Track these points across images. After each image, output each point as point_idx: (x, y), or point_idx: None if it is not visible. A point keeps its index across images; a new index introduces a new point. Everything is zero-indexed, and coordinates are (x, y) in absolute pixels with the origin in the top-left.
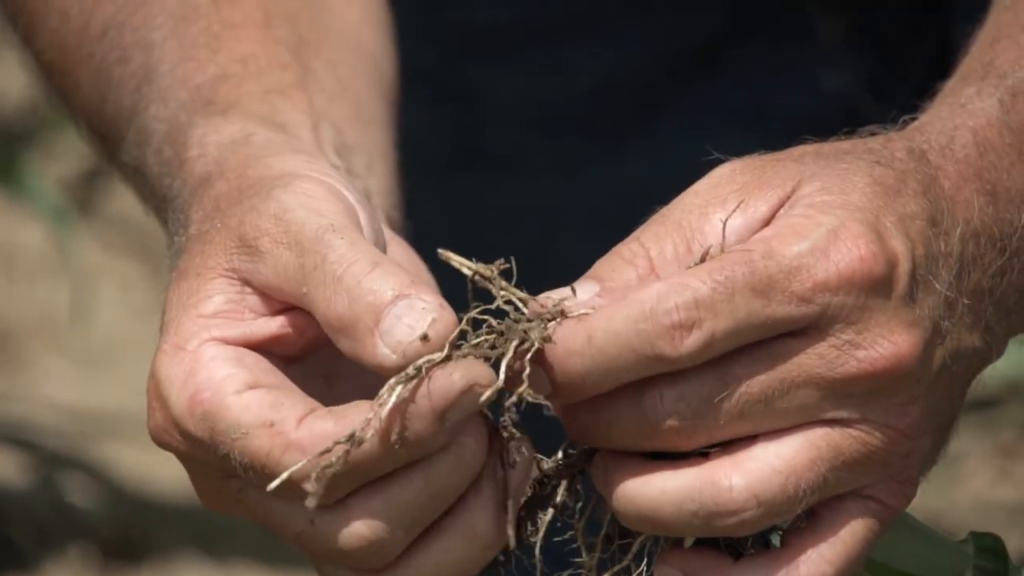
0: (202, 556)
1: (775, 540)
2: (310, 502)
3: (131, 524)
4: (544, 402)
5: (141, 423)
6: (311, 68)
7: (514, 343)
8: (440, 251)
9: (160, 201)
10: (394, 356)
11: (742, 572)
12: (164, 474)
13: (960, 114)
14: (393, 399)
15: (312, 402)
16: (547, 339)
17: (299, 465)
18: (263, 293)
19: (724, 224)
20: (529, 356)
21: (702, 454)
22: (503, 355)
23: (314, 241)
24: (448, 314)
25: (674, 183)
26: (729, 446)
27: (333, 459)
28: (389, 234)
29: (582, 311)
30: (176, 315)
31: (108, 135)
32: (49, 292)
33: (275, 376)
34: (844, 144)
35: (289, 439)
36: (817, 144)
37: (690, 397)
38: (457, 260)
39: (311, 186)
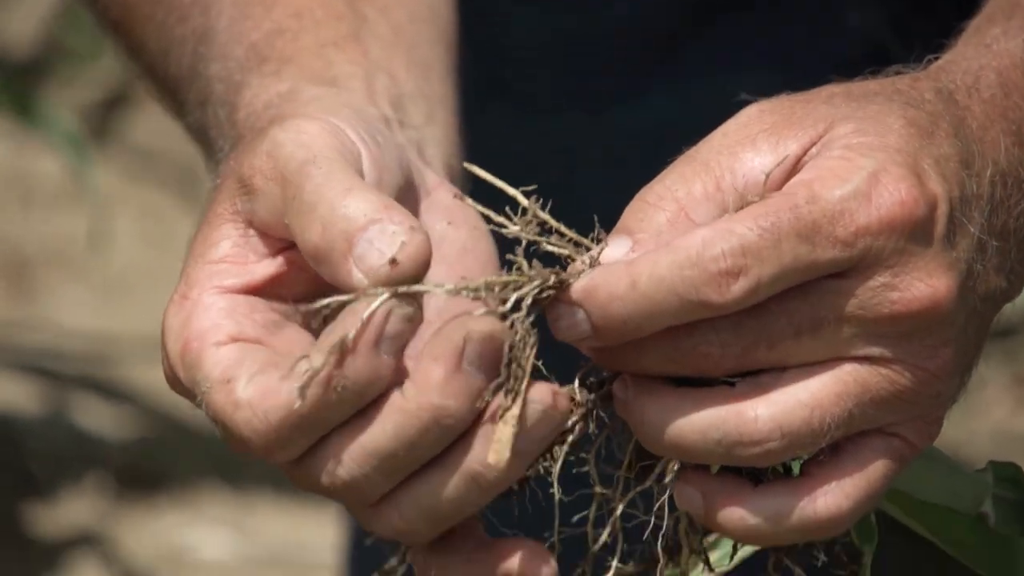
0: (220, 484)
1: (796, 469)
2: (274, 459)
3: (148, 452)
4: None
5: (157, 348)
6: (366, 17)
7: (536, 283)
8: (466, 164)
9: (213, 167)
10: (368, 282)
11: (761, 498)
12: (182, 401)
13: (985, 54)
14: (327, 348)
15: (274, 358)
16: (566, 282)
17: (245, 421)
18: (264, 233)
19: (756, 165)
20: (548, 295)
21: (728, 383)
22: (525, 294)
23: (294, 173)
24: (419, 236)
25: (698, 123)
26: (756, 376)
27: (280, 412)
28: (436, 180)
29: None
30: (188, 264)
31: (173, 95)
32: (66, 222)
33: (264, 327)
34: (872, 85)
35: (238, 397)
36: (845, 85)
37: (721, 326)
38: (488, 177)
39: (307, 124)
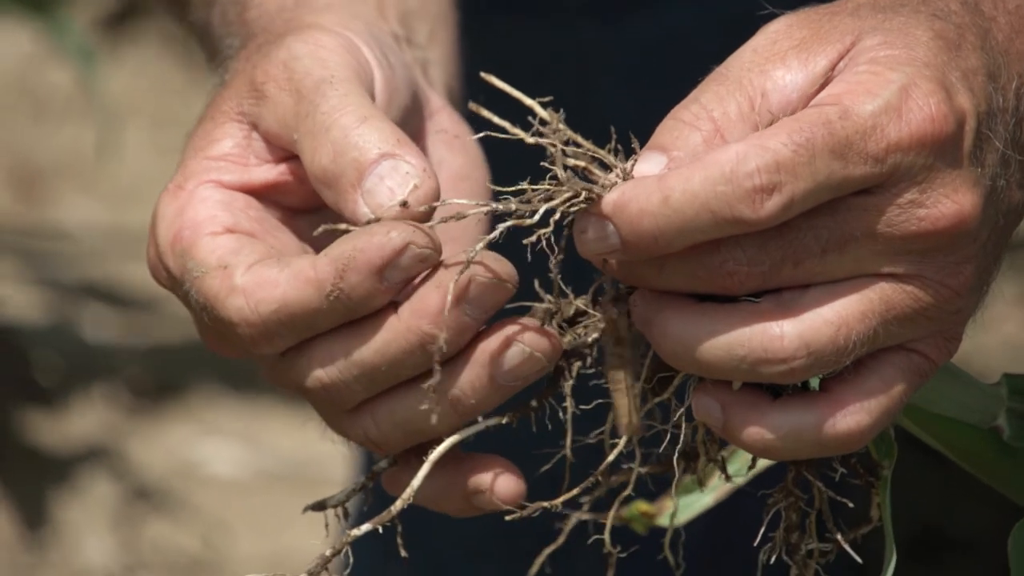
0: (232, 398)
1: (814, 383)
2: (257, 351)
3: (159, 364)
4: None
5: None
6: None
7: (566, 194)
8: (483, 74)
9: (220, 63)
10: (373, 217)
11: (780, 411)
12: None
13: None
14: (335, 255)
15: (272, 252)
16: (598, 195)
17: (237, 308)
18: (268, 139)
19: (788, 83)
20: (577, 208)
21: (750, 300)
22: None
23: (311, 90)
24: (431, 181)
25: (714, 31)
26: (779, 294)
27: (272, 305)
28: (438, 103)
29: None
30: (186, 156)
31: None
32: (76, 132)
33: (259, 224)
34: None
35: (234, 283)
36: None
37: (747, 244)
38: (505, 87)
39: (325, 38)
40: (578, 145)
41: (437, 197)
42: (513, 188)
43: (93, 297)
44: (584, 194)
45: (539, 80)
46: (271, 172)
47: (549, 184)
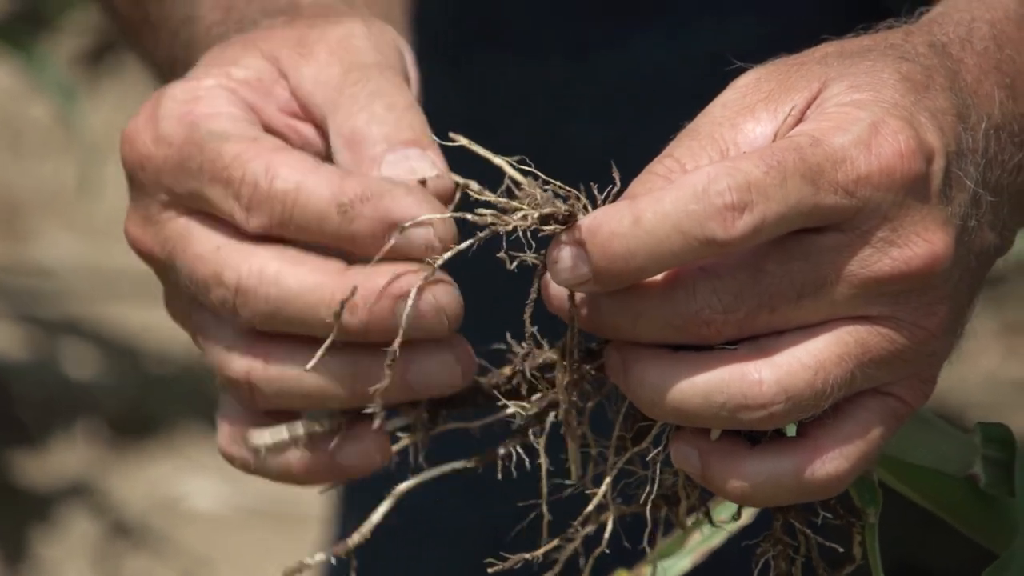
0: (212, 432)
1: (790, 430)
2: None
3: (140, 400)
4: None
5: (147, 284)
6: None
7: (545, 210)
8: (452, 135)
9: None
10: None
11: (758, 458)
12: (172, 346)
13: (978, 6)
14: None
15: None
16: (569, 215)
17: (252, 172)
18: (293, 94)
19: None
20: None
21: (726, 347)
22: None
23: (367, 66)
24: (449, 183)
25: (685, 68)
26: (756, 340)
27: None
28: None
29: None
30: (204, 67)
31: (144, 28)
32: (57, 167)
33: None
34: (865, 40)
35: (264, 150)
36: (838, 42)
37: (723, 292)
38: (477, 148)
39: (382, 27)
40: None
41: (448, 200)
42: (491, 198)
43: (74, 333)
44: (564, 209)
45: (514, 114)
46: (282, 121)
47: (527, 201)
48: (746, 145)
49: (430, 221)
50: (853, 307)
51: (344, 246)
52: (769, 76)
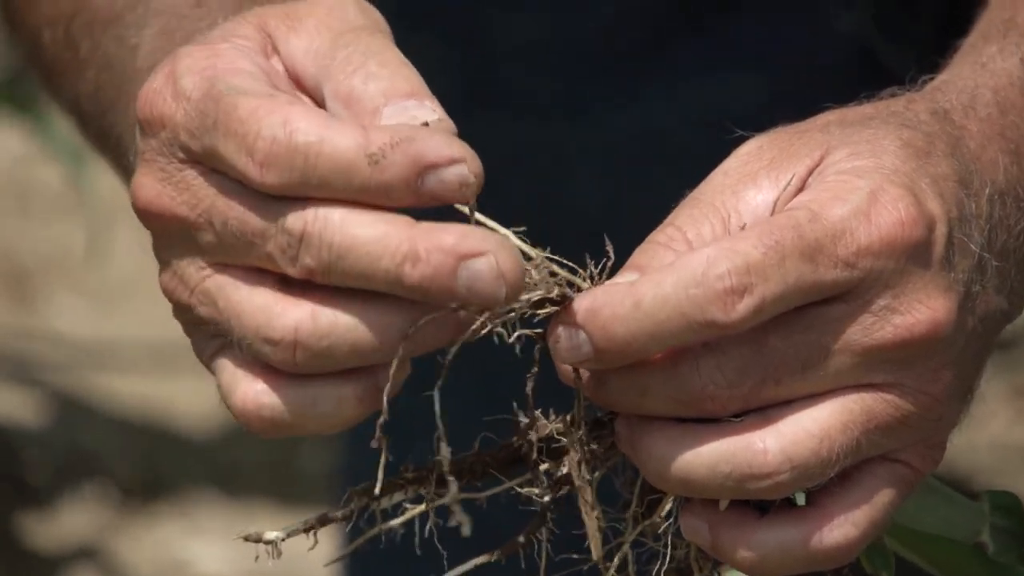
0: (219, 496)
1: (800, 499)
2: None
3: (147, 465)
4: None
5: (156, 349)
6: None
7: (539, 293)
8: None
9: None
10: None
11: (768, 528)
12: (181, 411)
13: (981, 73)
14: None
15: None
16: (569, 298)
17: (270, 126)
18: (284, 65)
19: (760, 202)
20: (548, 312)
21: (733, 419)
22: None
23: (359, 28)
24: (453, 127)
25: (686, 124)
26: (761, 410)
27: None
28: None
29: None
30: (206, 40)
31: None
32: (65, 230)
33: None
34: (867, 109)
35: (281, 103)
36: (840, 111)
37: (727, 367)
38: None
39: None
40: (553, 274)
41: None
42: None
43: (83, 398)
44: (557, 292)
45: (513, 172)
46: (287, 87)
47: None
48: (747, 212)
49: (463, 157)
50: (857, 376)
51: (373, 199)
52: (771, 144)
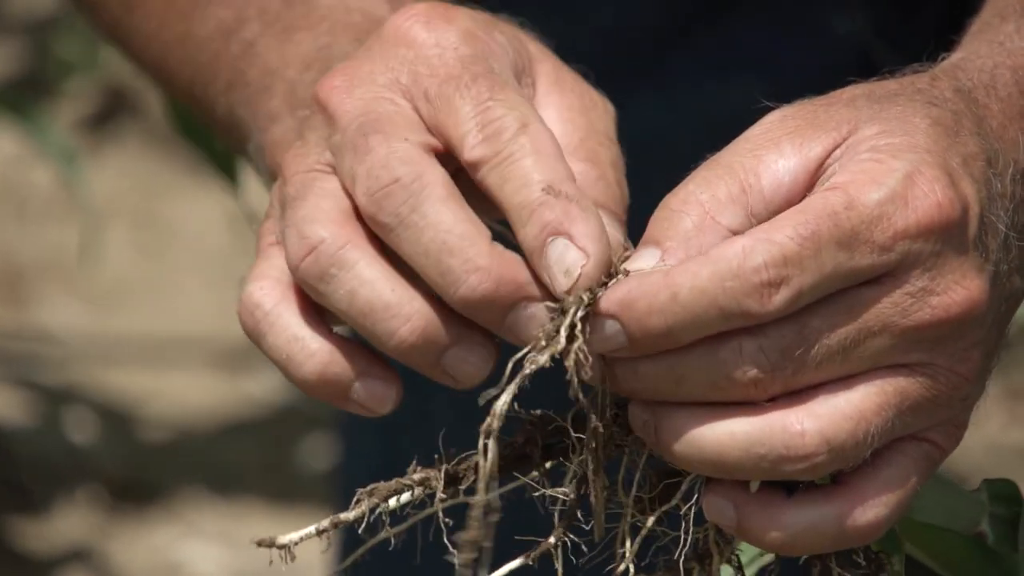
0: (212, 498)
1: (824, 478)
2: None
3: (140, 465)
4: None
5: (149, 350)
6: None
7: (575, 306)
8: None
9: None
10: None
11: (798, 509)
12: (174, 412)
13: (999, 52)
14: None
15: None
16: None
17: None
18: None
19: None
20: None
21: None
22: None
23: (603, 136)
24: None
25: (685, 131)
26: (794, 392)
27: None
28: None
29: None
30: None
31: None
32: (59, 232)
33: None
34: (892, 85)
35: (540, 130)
36: (866, 85)
37: (769, 350)
38: None
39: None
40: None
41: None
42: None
43: (76, 399)
44: (588, 297)
45: None
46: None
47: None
48: (766, 175)
49: (596, 252)
50: (893, 356)
51: (524, 214)
52: (796, 114)
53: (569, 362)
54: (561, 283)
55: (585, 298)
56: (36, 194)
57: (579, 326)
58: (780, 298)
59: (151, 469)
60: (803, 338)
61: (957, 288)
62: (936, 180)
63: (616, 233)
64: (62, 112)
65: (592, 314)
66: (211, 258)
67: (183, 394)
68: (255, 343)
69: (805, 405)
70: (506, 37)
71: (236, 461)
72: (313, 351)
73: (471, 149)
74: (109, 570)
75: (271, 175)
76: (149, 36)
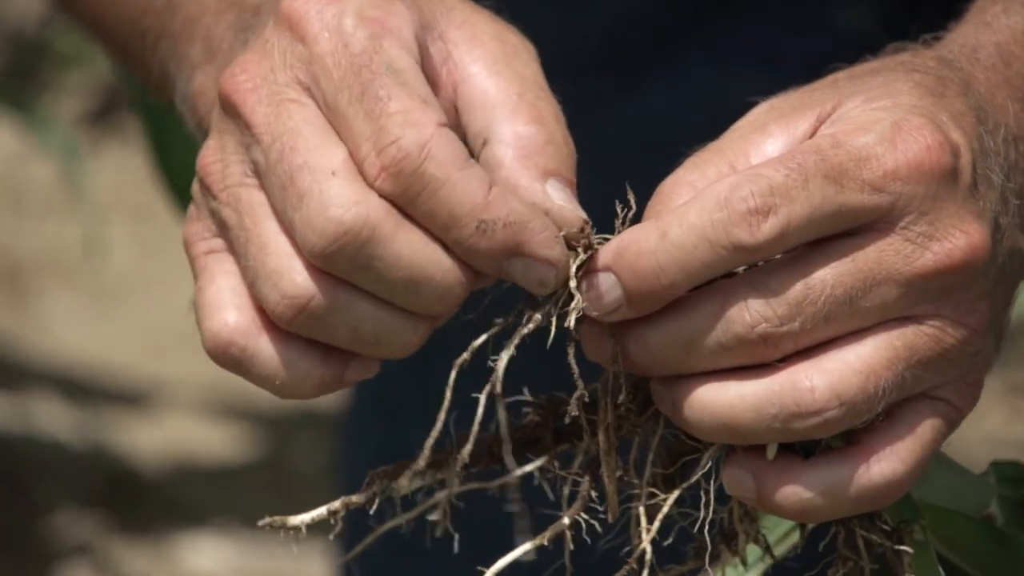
0: (216, 495)
1: (836, 441)
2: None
3: (140, 461)
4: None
5: (150, 345)
6: None
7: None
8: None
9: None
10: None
11: (814, 470)
12: (172, 408)
13: (984, 31)
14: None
15: None
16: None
17: (410, 139)
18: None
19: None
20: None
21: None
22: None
23: (537, 86)
24: (572, 215)
25: (689, 122)
26: (803, 352)
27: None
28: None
29: None
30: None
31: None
32: (60, 228)
33: None
34: (874, 63)
35: (430, 122)
36: (848, 69)
37: (777, 304)
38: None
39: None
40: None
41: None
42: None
43: (78, 396)
44: (585, 249)
45: None
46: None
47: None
48: (757, 156)
49: (556, 263)
50: (901, 307)
51: (459, 248)
52: (782, 102)
53: (569, 322)
54: (541, 292)
55: (581, 252)
56: (36, 189)
57: (575, 284)
58: (769, 226)
59: (151, 465)
60: (808, 288)
61: (957, 233)
62: (923, 127)
63: (568, 200)
64: (62, 107)
65: (588, 274)
66: None
67: (183, 389)
68: (237, 374)
69: (813, 361)
70: (407, 3)
71: (237, 458)
72: (305, 370)
73: (377, 180)
74: (111, 566)
75: (198, 126)
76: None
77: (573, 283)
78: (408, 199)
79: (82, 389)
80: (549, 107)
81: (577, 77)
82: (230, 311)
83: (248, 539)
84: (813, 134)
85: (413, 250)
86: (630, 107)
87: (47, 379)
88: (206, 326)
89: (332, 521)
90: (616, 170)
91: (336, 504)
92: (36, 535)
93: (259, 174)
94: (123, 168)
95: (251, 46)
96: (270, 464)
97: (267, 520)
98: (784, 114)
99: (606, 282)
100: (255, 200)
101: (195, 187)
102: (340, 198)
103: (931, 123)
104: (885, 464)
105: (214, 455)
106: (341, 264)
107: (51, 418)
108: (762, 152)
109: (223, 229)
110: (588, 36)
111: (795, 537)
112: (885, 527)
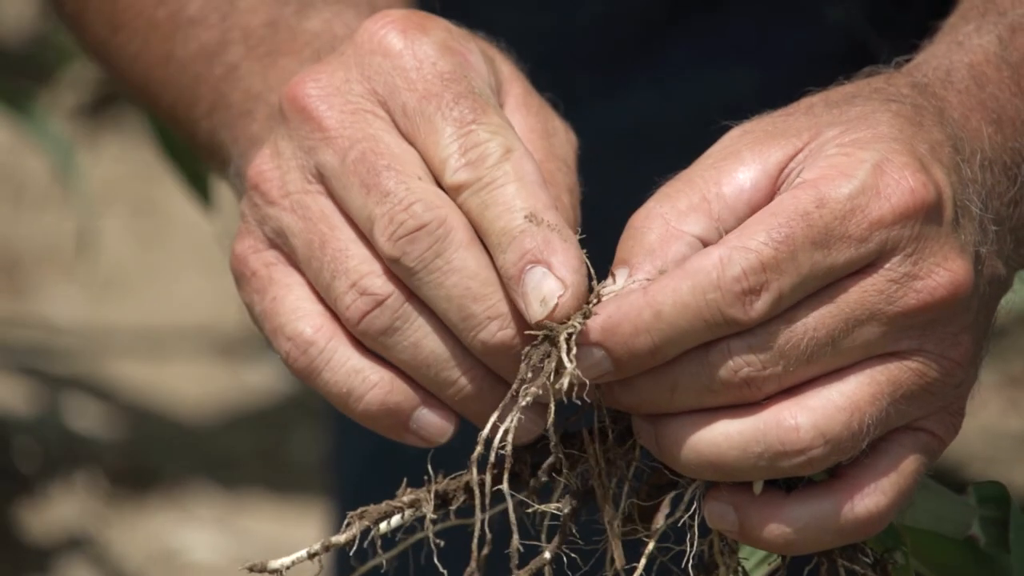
0: (210, 484)
1: (820, 477)
2: None
3: (139, 452)
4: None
5: (147, 338)
6: None
7: (568, 331)
8: None
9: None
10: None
11: (798, 504)
12: (172, 400)
13: (957, 51)
14: None
15: None
16: (588, 314)
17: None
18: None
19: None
20: (574, 338)
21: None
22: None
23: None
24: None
25: (676, 119)
26: (788, 390)
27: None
28: None
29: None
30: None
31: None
32: (57, 219)
33: None
34: (848, 88)
35: (522, 155)
36: (823, 93)
37: (759, 348)
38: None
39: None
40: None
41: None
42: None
43: (74, 387)
44: (578, 325)
45: None
46: None
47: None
48: (728, 185)
49: (568, 285)
50: (884, 344)
51: (501, 243)
52: (755, 127)
53: (562, 388)
54: (536, 311)
55: (577, 325)
56: (33, 182)
57: (570, 351)
58: (762, 303)
59: (149, 457)
60: (791, 332)
61: (940, 270)
62: (906, 166)
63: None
64: (58, 100)
65: (579, 347)
66: (209, 246)
67: (181, 382)
68: (307, 380)
69: (797, 399)
70: (481, 52)
71: (234, 448)
72: (374, 382)
73: (453, 173)
74: (108, 557)
75: None
76: (132, 57)
77: (564, 354)
78: (476, 189)
79: (80, 380)
80: (565, 179)
81: (564, 72)
82: (314, 316)
83: (245, 530)
84: (787, 165)
85: (478, 264)
86: (617, 103)
87: (45, 369)
88: (288, 331)
89: (313, 563)
90: (602, 166)
91: (316, 546)
92: (32, 524)
93: (325, 178)
94: (121, 160)
95: (324, 59)
96: (269, 455)
97: (248, 564)
98: (758, 141)
99: (596, 355)
100: (326, 207)
101: (244, 201)
102: (426, 198)
103: (914, 160)
104: (869, 499)
105: (213, 445)
106: (412, 256)
107: (48, 407)
108: (733, 179)
109: (281, 237)
110: (575, 32)
111: (775, 563)
112: (866, 558)
